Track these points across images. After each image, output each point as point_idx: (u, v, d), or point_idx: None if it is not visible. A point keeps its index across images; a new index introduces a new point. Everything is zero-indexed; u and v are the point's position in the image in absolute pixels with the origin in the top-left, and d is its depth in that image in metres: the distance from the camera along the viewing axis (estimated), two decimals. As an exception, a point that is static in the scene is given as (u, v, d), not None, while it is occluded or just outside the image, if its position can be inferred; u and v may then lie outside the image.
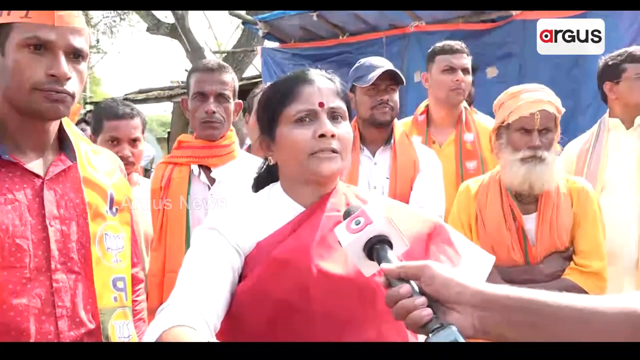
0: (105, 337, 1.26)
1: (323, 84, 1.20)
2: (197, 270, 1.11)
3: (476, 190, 2.13)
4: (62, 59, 1.21)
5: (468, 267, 1.24)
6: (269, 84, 1.31)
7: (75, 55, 1.24)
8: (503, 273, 1.96)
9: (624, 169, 2.38)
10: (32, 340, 1.17)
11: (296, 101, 1.18)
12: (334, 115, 1.19)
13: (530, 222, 2.03)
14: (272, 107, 1.21)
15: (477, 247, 1.34)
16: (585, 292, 1.93)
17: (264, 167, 1.34)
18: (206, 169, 2.15)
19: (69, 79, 1.22)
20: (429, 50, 2.79)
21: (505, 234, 2.01)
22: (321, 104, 1.17)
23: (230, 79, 2.15)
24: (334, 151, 1.16)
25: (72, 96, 1.24)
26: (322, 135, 1.15)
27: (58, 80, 1.20)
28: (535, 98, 1.97)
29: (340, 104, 1.21)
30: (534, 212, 2.04)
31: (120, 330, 1.31)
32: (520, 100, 1.98)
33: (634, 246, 2.26)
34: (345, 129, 1.20)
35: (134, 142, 2.35)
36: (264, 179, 1.32)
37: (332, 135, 1.16)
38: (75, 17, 1.24)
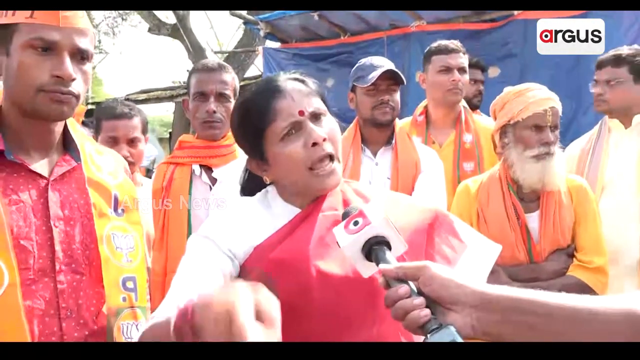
0: (111, 338, 1.26)
1: (295, 91, 1.18)
2: (185, 280, 1.11)
3: (476, 190, 2.13)
4: (67, 59, 1.21)
5: (474, 257, 1.22)
6: (236, 103, 1.26)
7: (81, 56, 1.24)
8: (508, 272, 1.97)
9: (624, 168, 2.38)
10: (35, 341, 1.17)
11: (276, 118, 1.15)
12: (316, 117, 1.18)
13: (532, 220, 2.04)
14: (252, 129, 1.19)
15: (482, 236, 1.32)
16: (590, 288, 1.96)
17: (246, 177, 1.33)
18: (208, 169, 2.15)
19: (73, 80, 1.22)
20: (425, 51, 2.78)
21: (509, 233, 2.02)
22: (301, 112, 1.16)
23: (231, 78, 2.15)
24: (330, 157, 1.16)
25: (77, 97, 1.24)
26: (314, 144, 1.15)
27: (63, 81, 1.20)
28: (545, 95, 2.00)
29: (318, 104, 1.19)
30: (535, 210, 2.05)
31: (128, 331, 1.30)
32: (530, 97, 1.99)
33: (635, 246, 2.26)
34: (330, 125, 1.19)
35: (132, 142, 2.34)
36: (250, 190, 1.31)
37: (324, 140, 1.15)
38: (80, 18, 1.24)
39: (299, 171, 1.16)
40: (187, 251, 1.19)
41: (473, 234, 1.28)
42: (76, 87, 1.23)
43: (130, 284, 1.32)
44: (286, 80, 1.20)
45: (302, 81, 1.21)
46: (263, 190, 1.28)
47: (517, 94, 2.03)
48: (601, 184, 2.37)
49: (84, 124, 3.25)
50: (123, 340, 1.29)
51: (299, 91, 1.18)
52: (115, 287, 1.29)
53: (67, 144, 1.33)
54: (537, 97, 1.98)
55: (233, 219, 1.21)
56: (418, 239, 1.19)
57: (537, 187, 2.00)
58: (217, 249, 1.15)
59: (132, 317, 1.33)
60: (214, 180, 2.13)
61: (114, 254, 1.30)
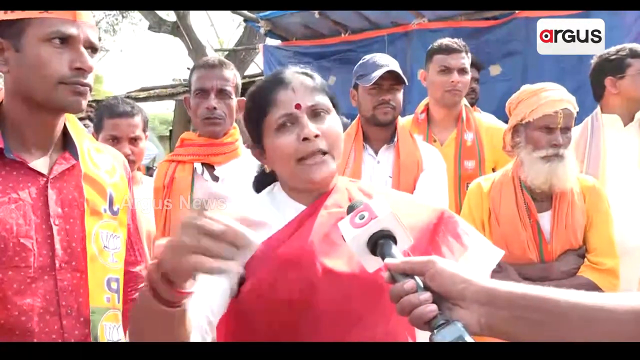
0: (94, 337, 1.24)
1: (298, 84, 1.17)
2: None
3: (489, 188, 2.13)
4: (85, 52, 1.23)
5: (473, 260, 1.21)
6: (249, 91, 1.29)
7: (92, 50, 1.26)
8: (518, 270, 1.97)
9: (625, 165, 2.38)
10: (35, 340, 1.16)
11: (274, 108, 1.15)
12: (315, 113, 1.16)
13: (544, 219, 2.04)
14: (254, 117, 1.20)
15: (487, 241, 1.31)
16: (600, 290, 1.95)
17: (260, 172, 1.33)
18: (210, 167, 2.14)
19: (91, 72, 1.24)
20: (428, 49, 2.77)
21: (520, 231, 2.02)
22: (298, 106, 1.15)
23: (232, 75, 2.13)
24: (322, 152, 1.14)
25: (91, 90, 1.26)
26: (305, 139, 1.13)
27: (84, 73, 1.23)
28: (558, 96, 1.99)
29: (320, 99, 1.17)
30: (547, 209, 2.05)
31: (110, 333, 1.28)
32: (542, 98, 1.98)
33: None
34: (330, 124, 1.17)
35: (134, 140, 2.34)
36: (262, 182, 1.31)
37: (316, 136, 1.13)
38: (89, 14, 1.27)
39: (288, 163, 1.15)
40: None
41: (476, 238, 1.26)
42: (90, 80, 1.25)
43: (114, 285, 1.31)
44: (293, 73, 1.19)
45: (310, 76, 1.20)
46: (269, 187, 1.28)
47: (531, 94, 2.03)
48: (602, 181, 2.36)
49: (90, 119, 3.24)
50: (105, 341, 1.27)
51: (303, 85, 1.17)
52: (100, 286, 1.28)
53: (67, 142, 1.33)
54: (550, 99, 1.98)
55: (239, 213, 1.19)
56: (423, 239, 1.18)
57: (544, 187, 2.00)
58: None
59: (115, 319, 1.31)
60: (216, 179, 2.11)
61: (101, 252, 1.29)
